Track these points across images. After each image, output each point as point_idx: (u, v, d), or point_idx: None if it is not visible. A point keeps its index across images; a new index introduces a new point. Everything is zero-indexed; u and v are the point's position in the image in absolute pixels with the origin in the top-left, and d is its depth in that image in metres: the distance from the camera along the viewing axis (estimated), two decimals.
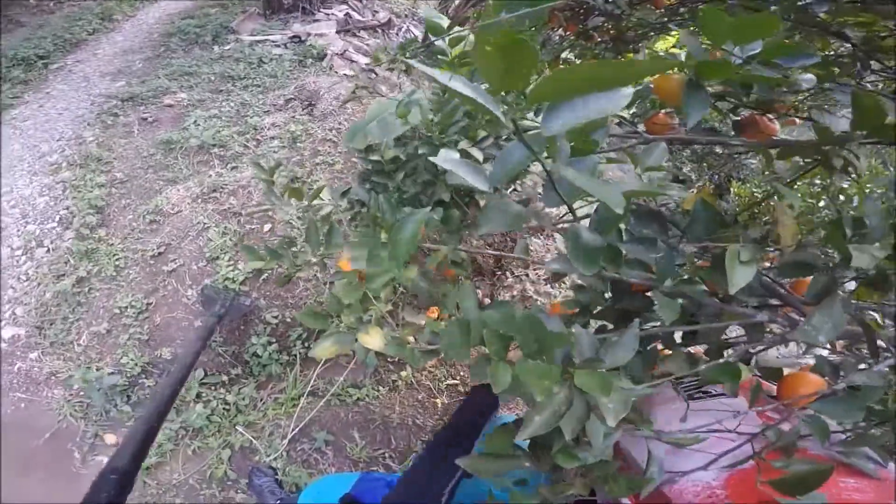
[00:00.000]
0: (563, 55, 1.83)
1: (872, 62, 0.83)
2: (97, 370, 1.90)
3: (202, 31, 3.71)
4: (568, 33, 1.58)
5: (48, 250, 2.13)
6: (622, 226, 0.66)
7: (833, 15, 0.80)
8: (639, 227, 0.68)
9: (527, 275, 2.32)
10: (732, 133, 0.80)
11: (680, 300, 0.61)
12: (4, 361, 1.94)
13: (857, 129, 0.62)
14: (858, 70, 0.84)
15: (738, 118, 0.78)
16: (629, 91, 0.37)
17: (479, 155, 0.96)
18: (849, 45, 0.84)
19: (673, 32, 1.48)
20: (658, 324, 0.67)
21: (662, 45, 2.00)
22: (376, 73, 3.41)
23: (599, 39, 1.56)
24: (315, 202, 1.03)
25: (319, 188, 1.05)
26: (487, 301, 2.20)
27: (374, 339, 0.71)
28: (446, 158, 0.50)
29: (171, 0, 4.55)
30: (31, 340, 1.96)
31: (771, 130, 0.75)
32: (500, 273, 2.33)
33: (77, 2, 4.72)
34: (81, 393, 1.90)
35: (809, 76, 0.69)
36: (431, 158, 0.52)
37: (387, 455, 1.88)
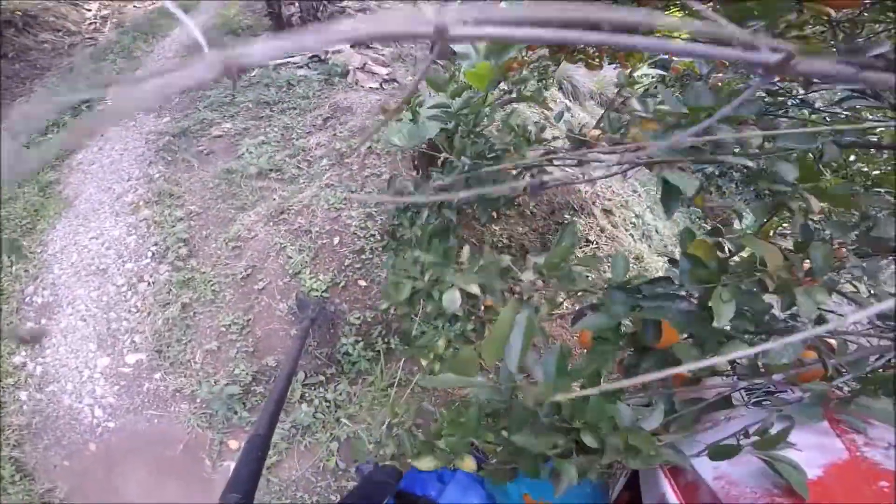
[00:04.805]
0: None
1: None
2: (215, 383, 2.06)
3: None
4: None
5: (149, 284, 2.26)
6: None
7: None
8: (650, 288, 0.77)
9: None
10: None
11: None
12: (133, 384, 2.10)
13: (800, 182, 0.74)
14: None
15: None
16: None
17: None
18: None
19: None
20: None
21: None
22: (398, 83, 3.49)
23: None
24: None
25: None
26: None
27: (468, 464, 0.82)
28: None
29: (183, 31, 4.54)
30: (153, 363, 2.11)
31: None
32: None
33: (92, 42, 4.68)
34: (204, 405, 2.07)
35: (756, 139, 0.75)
36: None
37: None
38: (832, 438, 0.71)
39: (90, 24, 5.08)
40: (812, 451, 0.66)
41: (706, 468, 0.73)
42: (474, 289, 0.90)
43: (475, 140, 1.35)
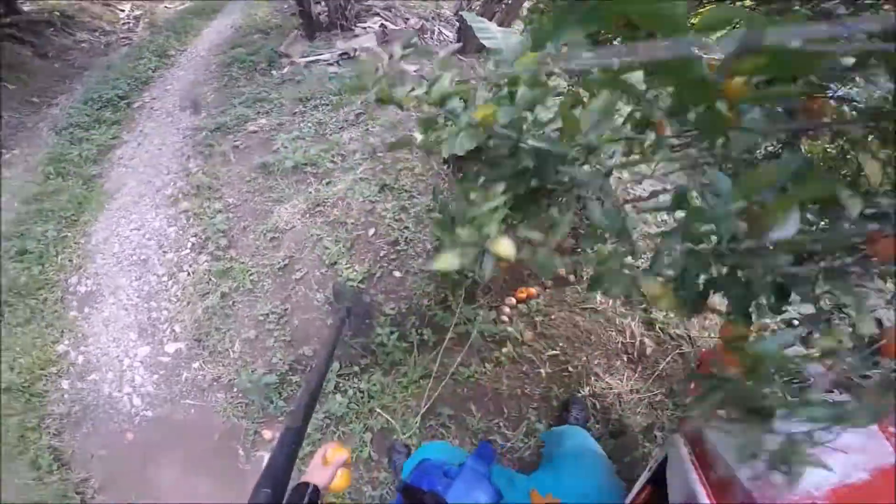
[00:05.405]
0: None
1: None
2: (253, 372, 2.06)
3: (256, 57, 3.78)
4: None
5: (189, 274, 2.28)
6: None
7: None
8: None
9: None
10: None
11: None
12: (172, 373, 2.11)
13: None
14: None
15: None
16: None
17: None
18: None
19: None
20: None
21: None
22: (426, 79, 3.48)
23: None
24: None
25: None
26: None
27: (505, 247, 0.69)
28: None
29: (214, 31, 4.63)
30: (192, 352, 2.13)
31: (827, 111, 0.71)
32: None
33: (127, 41, 4.81)
34: (240, 395, 2.07)
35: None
36: None
37: (501, 424, 1.95)
38: (880, 440, 0.67)
39: (124, 23, 5.23)
40: (858, 453, 0.63)
41: (742, 466, 0.69)
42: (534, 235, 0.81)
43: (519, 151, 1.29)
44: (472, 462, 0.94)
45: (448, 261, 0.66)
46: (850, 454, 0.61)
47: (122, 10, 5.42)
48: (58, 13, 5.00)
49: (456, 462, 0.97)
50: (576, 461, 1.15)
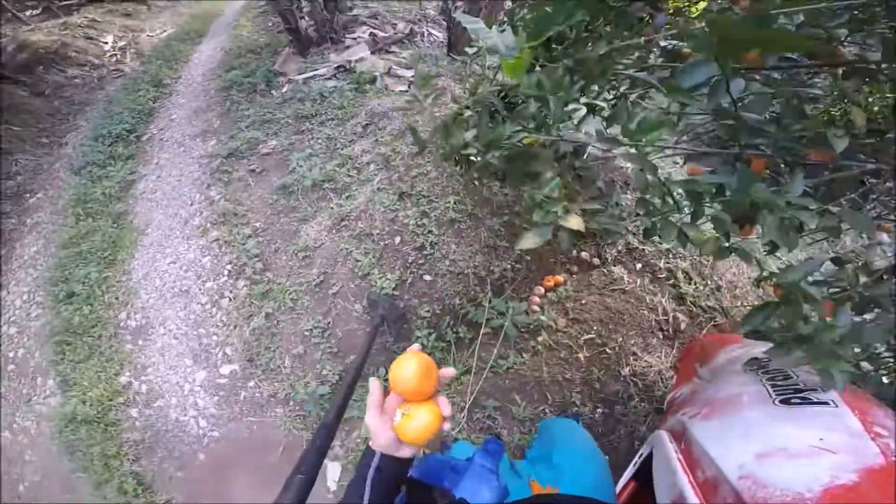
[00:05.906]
0: None
1: None
2: (306, 385, 2.20)
3: (253, 79, 3.84)
4: None
5: (230, 299, 2.41)
6: None
7: None
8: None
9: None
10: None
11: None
12: (230, 394, 2.25)
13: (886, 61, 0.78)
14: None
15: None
16: None
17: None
18: None
19: None
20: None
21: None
22: None
23: None
24: None
25: None
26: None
27: (575, 221, 0.76)
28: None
29: (204, 55, 4.66)
30: (247, 372, 2.26)
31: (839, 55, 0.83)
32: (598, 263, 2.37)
33: (118, 73, 4.83)
34: (297, 408, 2.20)
35: (843, 31, 0.79)
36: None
37: (547, 410, 2.04)
38: (865, 441, 0.68)
39: (111, 55, 5.23)
40: (846, 454, 0.65)
41: (731, 466, 0.71)
42: None
43: None
44: (481, 458, 0.92)
45: (531, 240, 0.81)
46: (839, 455, 0.65)
47: (106, 43, 5.42)
48: (42, 50, 5.01)
49: (463, 456, 0.97)
50: (573, 455, 1.19)
